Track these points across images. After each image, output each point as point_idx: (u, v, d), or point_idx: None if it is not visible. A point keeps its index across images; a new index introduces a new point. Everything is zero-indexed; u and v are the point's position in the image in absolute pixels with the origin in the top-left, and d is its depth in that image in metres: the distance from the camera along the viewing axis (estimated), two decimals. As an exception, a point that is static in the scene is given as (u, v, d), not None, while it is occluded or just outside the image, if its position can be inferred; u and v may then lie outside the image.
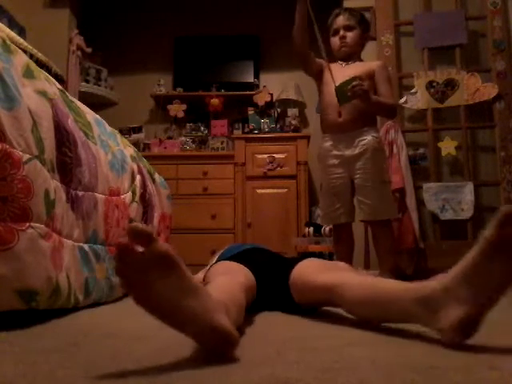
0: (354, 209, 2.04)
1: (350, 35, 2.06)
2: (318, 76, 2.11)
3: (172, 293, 0.59)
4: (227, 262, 1.16)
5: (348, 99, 1.86)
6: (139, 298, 0.60)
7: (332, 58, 2.16)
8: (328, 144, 2.05)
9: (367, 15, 3.23)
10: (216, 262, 1.22)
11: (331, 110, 2.02)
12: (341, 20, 2.09)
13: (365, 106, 1.90)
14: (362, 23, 2.09)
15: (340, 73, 2.01)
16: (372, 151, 1.95)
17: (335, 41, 2.11)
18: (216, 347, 0.61)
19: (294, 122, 3.60)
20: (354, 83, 1.81)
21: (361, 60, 2.15)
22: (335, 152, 2.02)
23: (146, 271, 0.59)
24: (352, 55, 2.09)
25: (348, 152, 1.98)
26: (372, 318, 0.84)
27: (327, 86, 2.03)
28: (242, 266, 1.10)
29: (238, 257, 1.21)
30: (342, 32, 2.07)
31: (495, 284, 0.63)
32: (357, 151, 1.96)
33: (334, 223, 2.08)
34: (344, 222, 2.01)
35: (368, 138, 1.96)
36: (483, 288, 0.63)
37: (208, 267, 1.45)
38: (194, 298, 0.60)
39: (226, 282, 0.90)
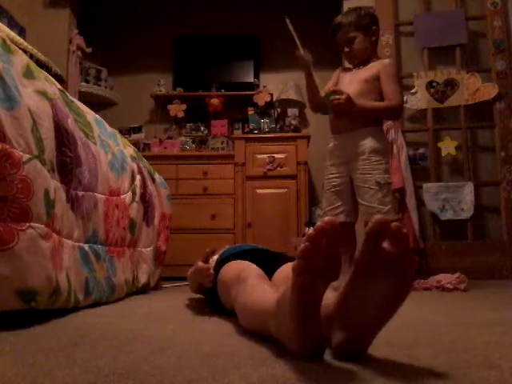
0: (355, 209, 2.04)
1: (353, 47, 2.04)
2: None
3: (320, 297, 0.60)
4: (233, 264, 1.15)
5: (332, 110, 1.92)
6: (305, 283, 0.58)
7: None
8: (332, 144, 2.07)
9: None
10: (220, 263, 1.22)
11: (333, 116, 2.05)
12: (339, 37, 2.07)
13: (354, 114, 1.91)
14: (362, 25, 2.04)
15: (349, 79, 2.04)
16: (369, 152, 1.94)
17: (344, 55, 2.13)
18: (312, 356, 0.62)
19: (293, 122, 3.60)
20: (331, 98, 1.85)
21: (376, 59, 2.10)
22: (337, 152, 2.03)
23: (328, 265, 0.58)
24: (366, 60, 2.07)
25: (348, 152, 1.99)
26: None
27: None
28: (251, 264, 1.10)
29: (239, 256, 1.21)
30: (345, 49, 2.06)
31: (373, 307, 0.59)
32: (356, 151, 1.96)
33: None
34: (343, 222, 2.01)
35: (367, 139, 1.96)
36: (361, 311, 0.59)
37: (213, 263, 1.45)
38: None
39: (266, 286, 0.89)
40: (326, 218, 0.58)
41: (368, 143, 1.95)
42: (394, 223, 0.57)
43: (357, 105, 1.88)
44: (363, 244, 0.58)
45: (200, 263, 1.28)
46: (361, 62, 2.07)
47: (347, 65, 2.21)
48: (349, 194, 2.01)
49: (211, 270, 1.21)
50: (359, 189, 1.95)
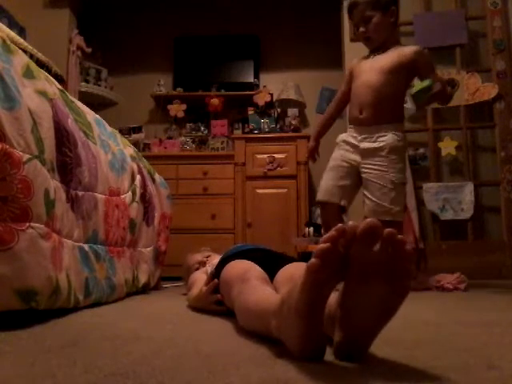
0: (348, 197, 1.97)
1: (370, 27, 1.91)
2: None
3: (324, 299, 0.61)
4: (237, 263, 1.15)
5: (426, 104, 1.85)
6: (317, 282, 0.58)
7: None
8: (349, 133, 2.00)
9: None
10: (222, 264, 1.21)
11: (354, 107, 1.98)
12: (355, 16, 1.94)
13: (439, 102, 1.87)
14: (381, 4, 1.90)
15: (369, 66, 1.96)
16: (390, 149, 1.88)
17: (359, 35, 2.00)
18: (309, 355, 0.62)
19: (294, 122, 3.60)
20: (435, 90, 1.75)
21: (396, 44, 1.99)
22: (352, 141, 1.96)
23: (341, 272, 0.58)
24: (384, 43, 1.96)
25: (365, 145, 1.92)
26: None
27: (353, 83, 2.01)
28: (252, 263, 1.10)
29: (241, 255, 1.21)
30: (361, 28, 1.94)
31: (370, 310, 0.59)
32: (374, 146, 1.90)
33: (327, 200, 1.97)
34: (333, 202, 1.94)
35: (388, 135, 1.89)
36: (359, 313, 0.59)
37: (209, 268, 1.45)
38: None
39: (267, 289, 0.89)
40: (350, 223, 0.57)
41: (389, 139, 1.89)
42: (388, 229, 0.56)
43: (450, 94, 1.84)
44: (354, 247, 0.57)
45: (205, 288, 1.24)
46: (378, 45, 1.96)
47: (361, 51, 2.08)
48: (351, 180, 1.94)
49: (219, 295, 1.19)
50: (371, 184, 1.89)
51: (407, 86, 1.99)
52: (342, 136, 2.04)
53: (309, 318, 0.59)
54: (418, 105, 1.82)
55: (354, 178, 1.96)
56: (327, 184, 1.99)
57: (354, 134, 1.98)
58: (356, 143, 1.96)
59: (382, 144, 1.89)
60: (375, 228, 0.56)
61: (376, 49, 1.99)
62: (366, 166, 1.92)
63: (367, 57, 2.03)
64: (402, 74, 1.90)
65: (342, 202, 1.94)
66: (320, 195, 2.03)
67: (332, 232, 0.56)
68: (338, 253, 0.57)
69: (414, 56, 1.90)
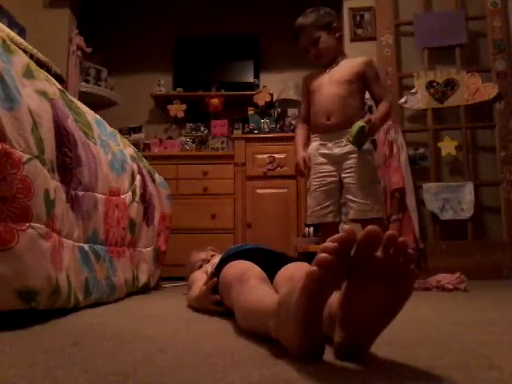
0: (340, 209, 2.04)
1: (319, 47, 2.02)
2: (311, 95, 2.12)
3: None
4: (237, 264, 1.15)
5: (364, 142, 1.92)
6: (316, 289, 0.57)
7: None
8: (316, 143, 2.05)
9: (367, 16, 3.24)
10: (222, 264, 1.21)
11: (320, 115, 2.04)
12: (303, 39, 2.04)
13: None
14: (323, 23, 2.01)
15: (327, 80, 2.04)
16: (363, 151, 1.95)
17: (310, 56, 2.09)
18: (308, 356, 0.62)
19: (294, 122, 3.60)
20: (367, 130, 1.84)
21: (345, 56, 2.10)
22: (323, 151, 2.02)
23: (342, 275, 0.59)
24: (334, 58, 2.06)
25: (336, 150, 1.99)
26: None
27: (315, 95, 2.07)
28: (254, 265, 1.09)
29: (241, 255, 1.21)
30: (311, 50, 2.04)
31: (372, 310, 0.59)
32: (346, 150, 1.96)
33: (321, 221, 2.04)
34: (331, 222, 2.00)
35: None
36: (361, 313, 0.59)
37: (209, 268, 1.45)
38: None
39: (267, 290, 0.89)
40: (347, 228, 0.57)
41: None
42: (389, 232, 0.56)
43: (379, 120, 1.92)
44: (355, 254, 0.57)
45: (204, 288, 1.24)
46: (329, 60, 2.07)
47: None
48: (337, 194, 2.01)
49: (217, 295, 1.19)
50: (352, 187, 1.95)
51: (364, 94, 2.07)
52: (312, 148, 2.07)
53: (307, 321, 0.59)
54: (358, 147, 1.90)
55: (338, 189, 2.02)
56: (316, 208, 2.04)
57: (323, 142, 2.03)
58: (327, 151, 2.01)
59: (353, 147, 1.95)
60: (375, 235, 0.56)
61: (328, 64, 2.08)
62: (344, 171, 1.98)
63: (321, 71, 2.11)
64: (357, 83, 2.00)
65: (337, 219, 2.03)
66: (310, 219, 2.10)
67: (334, 243, 0.56)
68: (339, 261, 0.57)
69: (363, 66, 2.01)
